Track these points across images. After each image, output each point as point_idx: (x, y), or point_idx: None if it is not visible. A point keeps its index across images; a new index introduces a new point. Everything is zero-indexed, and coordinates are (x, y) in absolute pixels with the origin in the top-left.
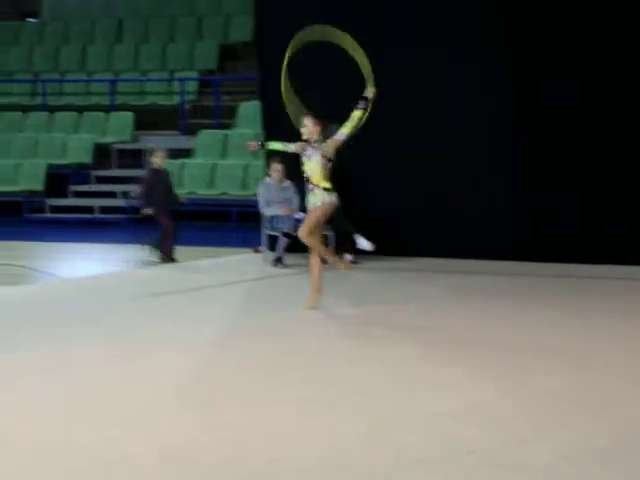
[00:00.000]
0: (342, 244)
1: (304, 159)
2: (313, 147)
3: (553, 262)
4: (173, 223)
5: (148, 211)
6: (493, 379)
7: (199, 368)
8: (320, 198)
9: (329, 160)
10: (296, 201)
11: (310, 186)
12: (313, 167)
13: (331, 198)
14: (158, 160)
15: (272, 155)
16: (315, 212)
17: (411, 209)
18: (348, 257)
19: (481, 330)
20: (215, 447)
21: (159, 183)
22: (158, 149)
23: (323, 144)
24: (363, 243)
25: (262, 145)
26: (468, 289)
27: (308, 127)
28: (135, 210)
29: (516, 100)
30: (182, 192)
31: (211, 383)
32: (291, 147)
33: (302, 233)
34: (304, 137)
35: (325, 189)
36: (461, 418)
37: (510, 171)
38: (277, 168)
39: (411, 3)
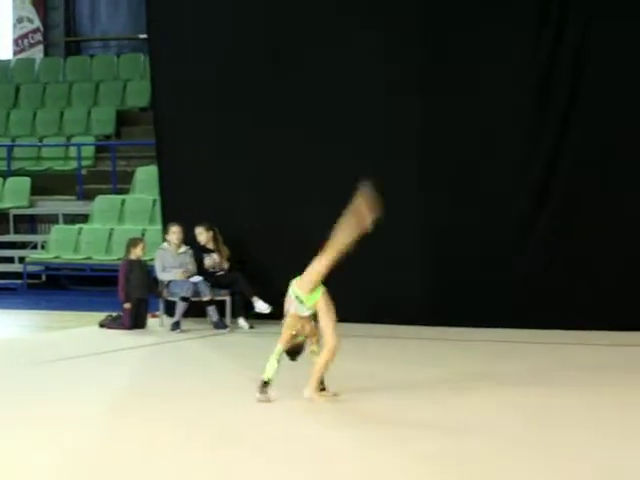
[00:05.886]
0: (238, 308)
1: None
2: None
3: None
4: (133, 322)
5: (127, 306)
6: None
7: (100, 436)
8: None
9: None
10: (192, 266)
11: None
12: None
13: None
14: (138, 252)
15: (170, 219)
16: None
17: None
18: (243, 322)
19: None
20: None
21: (134, 274)
22: (140, 240)
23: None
24: (261, 306)
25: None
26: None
27: None
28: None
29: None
30: (78, 258)
31: (116, 453)
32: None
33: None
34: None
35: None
36: None
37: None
38: (175, 230)
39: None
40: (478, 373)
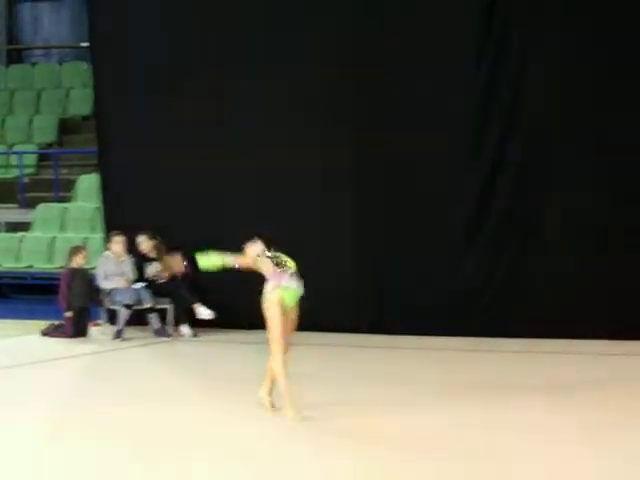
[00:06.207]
0: (180, 316)
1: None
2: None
3: None
4: (75, 330)
5: (69, 314)
6: None
7: (32, 447)
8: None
9: None
10: (132, 274)
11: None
12: None
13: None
14: (80, 260)
15: (112, 227)
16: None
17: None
18: (186, 330)
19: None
20: None
21: (76, 282)
22: (82, 248)
23: None
24: (203, 312)
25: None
26: None
27: None
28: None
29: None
30: (20, 266)
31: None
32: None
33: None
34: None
35: None
36: None
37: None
38: (118, 240)
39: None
40: (426, 380)
